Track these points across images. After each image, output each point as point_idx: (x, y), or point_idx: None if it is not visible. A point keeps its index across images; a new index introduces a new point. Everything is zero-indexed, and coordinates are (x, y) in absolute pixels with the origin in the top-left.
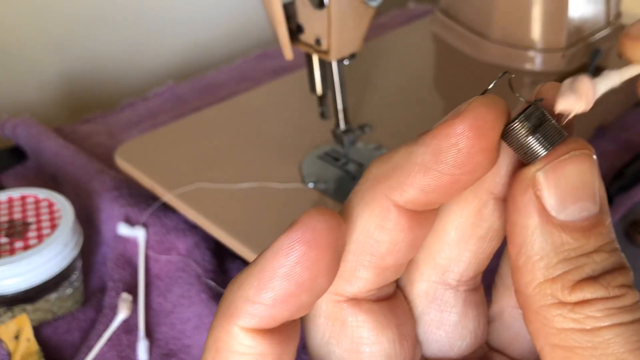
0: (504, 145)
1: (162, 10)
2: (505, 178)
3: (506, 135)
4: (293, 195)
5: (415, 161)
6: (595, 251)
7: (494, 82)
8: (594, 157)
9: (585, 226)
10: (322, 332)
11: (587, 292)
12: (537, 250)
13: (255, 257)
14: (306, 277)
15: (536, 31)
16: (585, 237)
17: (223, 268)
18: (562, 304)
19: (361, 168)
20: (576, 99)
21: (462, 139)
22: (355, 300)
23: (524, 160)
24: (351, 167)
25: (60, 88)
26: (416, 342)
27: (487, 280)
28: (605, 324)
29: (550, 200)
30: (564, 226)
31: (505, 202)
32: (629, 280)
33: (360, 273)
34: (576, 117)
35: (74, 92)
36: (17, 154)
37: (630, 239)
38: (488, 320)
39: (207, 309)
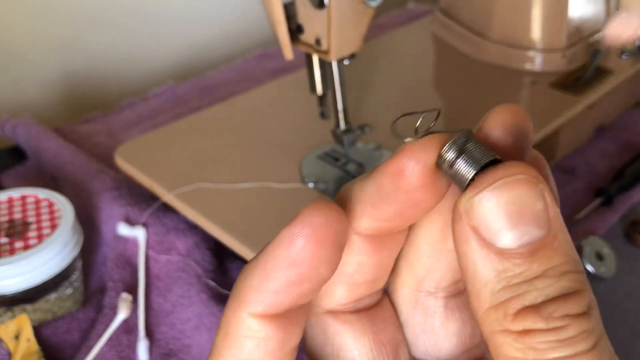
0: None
1: (162, 11)
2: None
3: (439, 165)
4: (293, 195)
5: (365, 197)
6: (539, 277)
7: (421, 117)
8: (535, 179)
9: (527, 251)
10: (312, 338)
11: (527, 323)
12: (480, 278)
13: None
14: (306, 268)
15: (536, 31)
16: (528, 262)
17: (223, 268)
18: (508, 332)
19: (361, 168)
20: (623, 28)
21: (396, 180)
22: (333, 312)
23: (460, 188)
24: (351, 167)
25: (60, 88)
26: (399, 345)
27: None
28: (547, 357)
29: (484, 229)
30: (503, 253)
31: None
32: (577, 307)
33: (336, 289)
34: (527, 141)
35: (74, 92)
36: (17, 154)
37: (630, 239)
38: None
39: (207, 309)
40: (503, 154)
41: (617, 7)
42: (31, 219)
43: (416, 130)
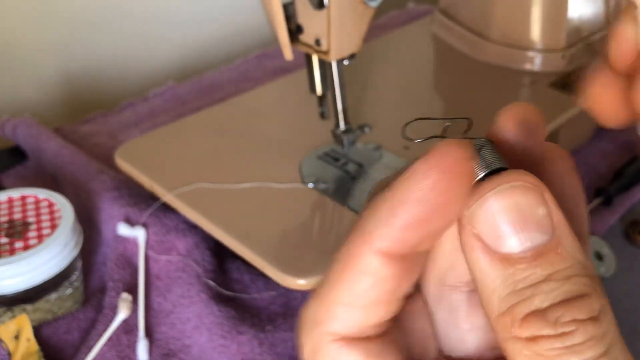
0: None
1: (162, 11)
2: None
3: None
4: (293, 195)
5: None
6: (544, 281)
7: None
8: (535, 185)
9: (531, 256)
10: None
11: (534, 329)
12: (488, 284)
13: (256, 258)
14: (439, 203)
15: (536, 31)
16: (532, 267)
17: (223, 268)
18: (517, 338)
19: (361, 168)
20: None
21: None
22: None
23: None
24: (351, 167)
25: (60, 88)
26: (428, 339)
27: None
28: None
29: (487, 236)
30: (507, 258)
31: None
32: (585, 312)
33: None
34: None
35: (74, 93)
36: (17, 154)
37: (630, 239)
38: None
39: (207, 309)
40: (516, 155)
41: (617, 8)
42: (31, 219)
43: (444, 131)
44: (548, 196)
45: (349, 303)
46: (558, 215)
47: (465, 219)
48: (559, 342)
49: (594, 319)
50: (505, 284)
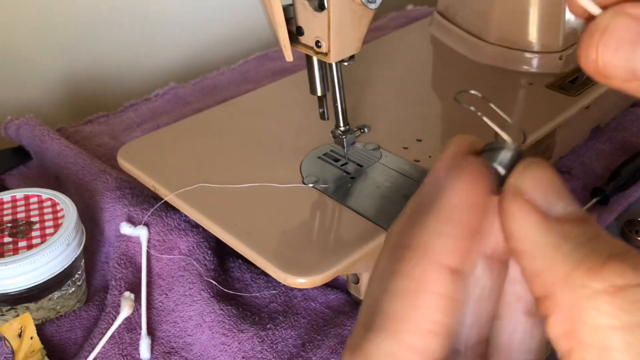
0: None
1: (165, 13)
2: (489, 236)
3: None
4: (293, 195)
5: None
6: (599, 235)
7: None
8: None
9: (579, 217)
10: None
11: (617, 275)
12: (548, 246)
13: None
14: (482, 204)
15: (533, 33)
16: (584, 225)
17: (224, 267)
18: (597, 293)
19: (360, 168)
20: None
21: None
22: None
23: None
24: (350, 167)
25: (63, 89)
26: None
27: None
28: None
29: (539, 199)
30: (560, 219)
31: (501, 220)
32: None
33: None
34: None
35: (77, 93)
36: (20, 154)
37: (627, 238)
38: None
39: (209, 308)
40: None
41: None
42: (34, 219)
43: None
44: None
45: (425, 331)
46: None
47: (513, 189)
48: None
49: None
50: (567, 240)
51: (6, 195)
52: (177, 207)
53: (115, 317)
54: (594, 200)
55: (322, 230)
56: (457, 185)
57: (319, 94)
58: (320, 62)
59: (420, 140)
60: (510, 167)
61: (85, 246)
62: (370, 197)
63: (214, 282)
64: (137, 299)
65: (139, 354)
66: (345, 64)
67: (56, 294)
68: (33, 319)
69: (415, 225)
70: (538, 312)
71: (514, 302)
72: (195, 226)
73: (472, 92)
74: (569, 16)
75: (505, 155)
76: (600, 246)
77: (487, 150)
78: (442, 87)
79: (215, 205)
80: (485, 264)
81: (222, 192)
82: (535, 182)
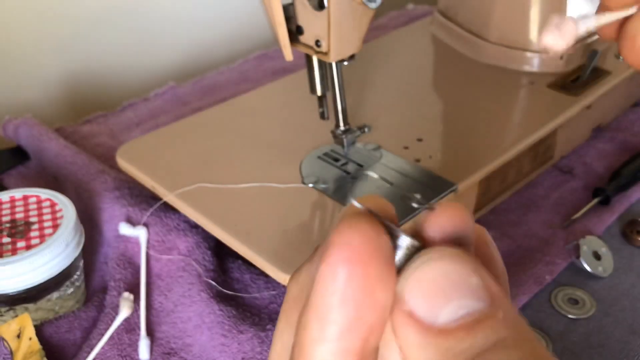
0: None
1: (163, 12)
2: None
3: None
4: (293, 195)
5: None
6: (491, 349)
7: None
8: (461, 254)
9: (470, 323)
10: None
11: None
12: None
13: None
14: (362, 296)
15: (534, 32)
16: (472, 335)
17: (223, 267)
18: None
19: (361, 168)
20: (559, 36)
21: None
22: None
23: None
24: (351, 167)
25: (61, 89)
26: None
27: None
28: None
29: (419, 309)
30: (444, 331)
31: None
32: None
33: None
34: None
35: (76, 93)
36: (19, 154)
37: (628, 238)
38: None
39: (208, 308)
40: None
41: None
42: (33, 219)
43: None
44: (479, 266)
45: None
46: (495, 286)
47: (395, 299)
48: None
49: None
50: (447, 358)
51: (5, 196)
52: (176, 207)
53: (114, 318)
54: (595, 200)
55: (322, 231)
56: (330, 279)
57: (319, 93)
58: (320, 62)
59: (421, 140)
60: (405, 263)
61: (84, 246)
62: None
63: (213, 283)
64: (136, 300)
65: (138, 355)
66: (345, 63)
67: (55, 295)
68: (32, 319)
69: (301, 315)
70: None
71: None
72: (195, 226)
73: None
74: (570, 15)
75: (400, 252)
76: None
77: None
78: (442, 87)
79: (214, 205)
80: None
81: (222, 192)
82: (418, 286)
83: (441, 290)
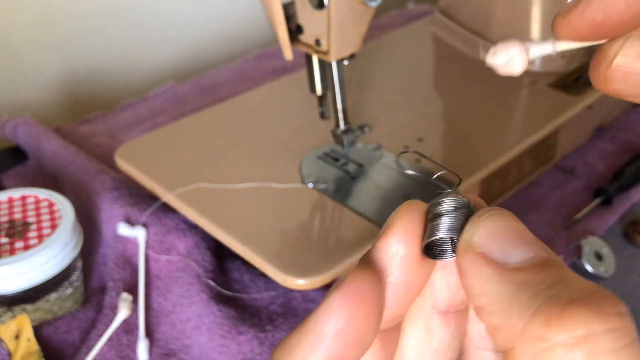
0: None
1: (162, 11)
2: (443, 292)
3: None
4: (293, 195)
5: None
6: (563, 279)
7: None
8: (515, 216)
9: (539, 263)
10: None
11: (578, 322)
12: (505, 299)
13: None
14: (356, 335)
15: (535, 31)
16: (544, 270)
17: (223, 268)
18: (555, 347)
19: (361, 168)
20: (505, 61)
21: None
22: None
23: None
24: (351, 167)
25: (60, 88)
26: None
27: None
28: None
29: (493, 250)
30: (517, 268)
31: (460, 279)
32: (620, 306)
33: None
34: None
35: (74, 93)
36: (17, 154)
37: (629, 239)
38: None
39: (207, 309)
40: None
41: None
42: (31, 219)
43: (435, 183)
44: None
45: None
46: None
47: (467, 244)
48: (611, 337)
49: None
50: (523, 290)
51: (3, 196)
52: (175, 207)
53: (113, 319)
54: (597, 200)
55: (322, 231)
56: (334, 309)
57: (319, 93)
58: (320, 61)
59: (421, 140)
60: (461, 226)
61: (82, 247)
62: (370, 197)
63: (212, 283)
64: (135, 301)
65: (136, 355)
66: (346, 62)
67: (53, 296)
68: (30, 320)
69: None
70: None
71: (480, 340)
72: (194, 227)
73: (412, 151)
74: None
75: (451, 219)
76: (561, 291)
77: (431, 219)
78: (443, 86)
79: (213, 205)
80: (440, 319)
81: (221, 192)
82: (489, 233)
83: (509, 237)
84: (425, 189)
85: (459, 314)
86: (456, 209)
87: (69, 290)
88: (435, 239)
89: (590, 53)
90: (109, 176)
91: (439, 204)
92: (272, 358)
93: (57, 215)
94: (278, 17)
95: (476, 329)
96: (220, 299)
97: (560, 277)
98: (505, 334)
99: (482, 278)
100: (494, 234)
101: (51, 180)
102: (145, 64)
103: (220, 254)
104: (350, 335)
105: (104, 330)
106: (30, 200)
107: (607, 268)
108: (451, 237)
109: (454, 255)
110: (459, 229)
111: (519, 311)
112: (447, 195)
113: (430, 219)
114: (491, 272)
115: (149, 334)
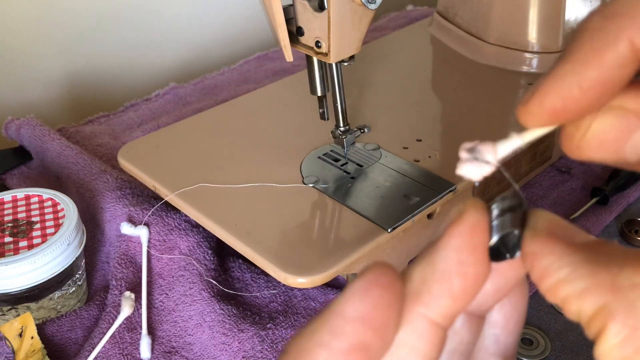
0: None
1: (165, 13)
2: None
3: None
4: (293, 195)
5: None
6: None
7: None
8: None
9: (600, 241)
10: None
11: None
12: (585, 264)
13: (257, 257)
14: (379, 322)
15: (533, 33)
16: (611, 245)
17: (224, 267)
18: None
19: (360, 168)
20: (475, 166)
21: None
22: None
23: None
24: (350, 167)
25: (64, 89)
26: None
27: None
28: None
29: (560, 232)
30: (585, 244)
31: (529, 269)
32: None
33: None
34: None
35: (78, 94)
36: (21, 154)
37: (626, 238)
38: None
39: (209, 307)
40: None
41: None
42: (35, 219)
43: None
44: None
45: None
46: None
47: (531, 234)
48: None
49: None
50: (601, 255)
51: (7, 195)
52: (177, 207)
53: (116, 317)
54: (594, 200)
55: (322, 230)
56: (357, 294)
57: (319, 94)
58: (320, 62)
59: (420, 140)
60: (522, 223)
61: (85, 246)
62: (370, 197)
63: (214, 282)
64: (138, 299)
65: (139, 353)
66: (345, 64)
67: (57, 294)
68: (34, 318)
69: (305, 331)
70: (589, 335)
71: (492, 344)
72: (196, 226)
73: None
74: (569, 16)
75: (514, 216)
76: (635, 250)
77: (498, 217)
78: (442, 87)
79: (215, 205)
80: (464, 319)
81: (223, 192)
82: (551, 222)
83: (565, 226)
84: (424, 189)
85: (479, 319)
86: (520, 205)
87: (73, 289)
88: (504, 234)
89: None
90: (112, 176)
91: (504, 200)
92: (291, 344)
93: (60, 214)
94: (278, 20)
95: (491, 332)
96: (222, 297)
97: (624, 248)
98: (594, 295)
99: (558, 253)
100: (556, 222)
101: (55, 180)
102: (147, 65)
103: (222, 253)
104: (374, 322)
105: (107, 328)
106: (34, 199)
107: None
108: (514, 233)
109: (515, 254)
110: (522, 225)
111: (604, 269)
112: (504, 196)
113: (499, 214)
114: (565, 247)
115: (151, 331)
